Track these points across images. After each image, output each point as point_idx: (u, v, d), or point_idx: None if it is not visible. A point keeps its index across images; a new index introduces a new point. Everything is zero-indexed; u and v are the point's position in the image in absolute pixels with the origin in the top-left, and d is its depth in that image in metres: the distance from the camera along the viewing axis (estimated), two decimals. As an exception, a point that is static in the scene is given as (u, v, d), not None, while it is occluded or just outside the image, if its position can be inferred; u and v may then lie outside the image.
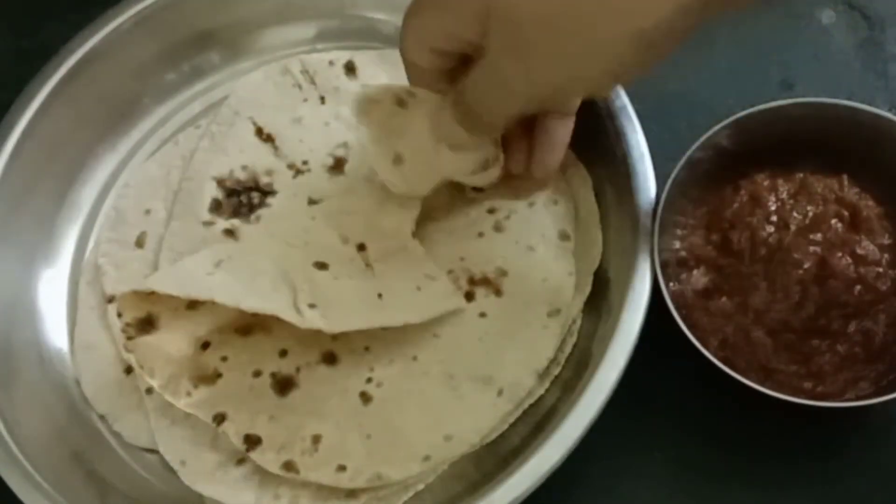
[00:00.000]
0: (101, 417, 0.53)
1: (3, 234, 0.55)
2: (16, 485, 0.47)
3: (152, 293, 0.48)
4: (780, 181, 0.52)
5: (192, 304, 0.51)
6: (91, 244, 0.59)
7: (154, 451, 0.52)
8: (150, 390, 0.52)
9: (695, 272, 0.51)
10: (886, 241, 0.51)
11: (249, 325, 0.52)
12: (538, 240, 0.54)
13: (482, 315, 0.52)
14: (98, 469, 0.51)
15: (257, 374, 0.51)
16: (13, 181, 0.56)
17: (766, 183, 0.52)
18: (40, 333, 0.56)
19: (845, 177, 0.52)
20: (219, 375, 0.51)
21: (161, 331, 0.51)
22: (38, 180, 0.58)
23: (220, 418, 0.50)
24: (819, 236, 0.50)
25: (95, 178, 0.60)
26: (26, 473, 0.48)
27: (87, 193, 0.60)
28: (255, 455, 0.49)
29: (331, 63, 0.61)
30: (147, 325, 0.51)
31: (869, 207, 0.51)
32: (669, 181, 0.50)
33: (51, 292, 0.57)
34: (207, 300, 0.48)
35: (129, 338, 0.51)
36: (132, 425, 0.53)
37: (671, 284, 0.50)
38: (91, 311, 0.56)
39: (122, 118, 0.61)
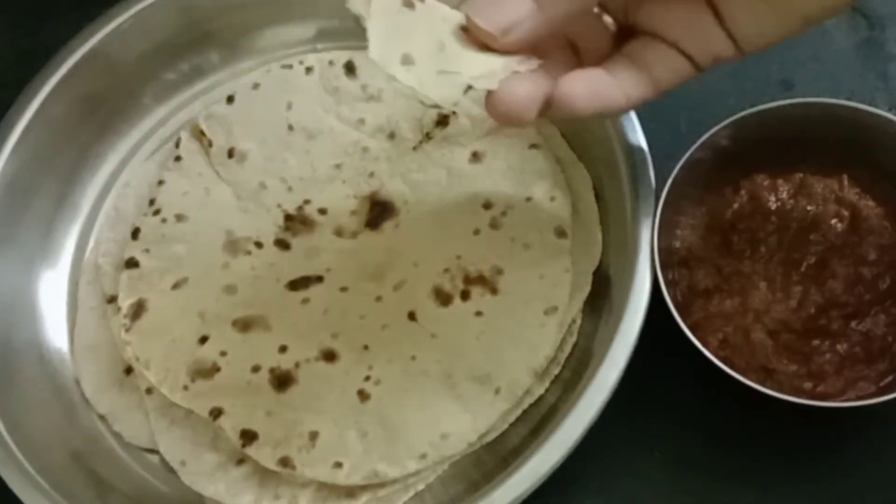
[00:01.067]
0: (102, 418, 0.54)
1: (3, 234, 0.55)
2: (16, 485, 0.47)
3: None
4: (779, 181, 0.52)
5: (177, 284, 0.53)
6: (91, 244, 0.59)
7: (154, 452, 0.52)
8: (150, 390, 0.53)
9: (695, 272, 0.51)
10: (886, 241, 0.50)
11: (248, 321, 0.53)
12: (534, 237, 0.54)
13: (478, 314, 0.52)
14: (98, 469, 0.51)
15: (256, 369, 0.51)
16: (13, 181, 0.56)
17: (766, 183, 0.52)
18: (40, 334, 0.56)
19: (845, 177, 0.52)
20: (217, 369, 0.51)
21: (150, 312, 0.53)
22: (38, 180, 0.58)
23: (216, 412, 0.50)
24: (819, 236, 0.50)
25: (95, 178, 0.60)
26: (26, 473, 0.48)
27: (87, 193, 0.60)
28: (251, 450, 0.49)
29: (331, 63, 0.61)
30: (139, 309, 0.53)
31: (869, 207, 0.51)
32: (669, 181, 0.50)
33: (51, 292, 0.57)
34: None
35: (127, 329, 0.53)
36: (132, 425, 0.53)
37: (671, 285, 0.50)
38: (91, 312, 0.57)
39: (122, 118, 0.62)
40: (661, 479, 0.51)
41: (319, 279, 0.54)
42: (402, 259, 0.54)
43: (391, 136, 0.58)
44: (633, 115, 0.52)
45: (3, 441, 0.49)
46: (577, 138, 0.57)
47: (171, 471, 0.51)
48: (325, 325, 0.52)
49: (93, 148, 0.60)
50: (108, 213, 0.60)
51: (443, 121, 0.58)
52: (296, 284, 0.54)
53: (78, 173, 0.60)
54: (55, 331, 0.56)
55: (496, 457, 0.49)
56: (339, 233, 0.56)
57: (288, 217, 0.56)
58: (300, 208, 0.56)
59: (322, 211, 0.56)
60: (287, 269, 0.54)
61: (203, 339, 0.52)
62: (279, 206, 0.57)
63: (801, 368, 0.48)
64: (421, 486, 0.49)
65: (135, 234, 0.57)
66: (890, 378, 0.48)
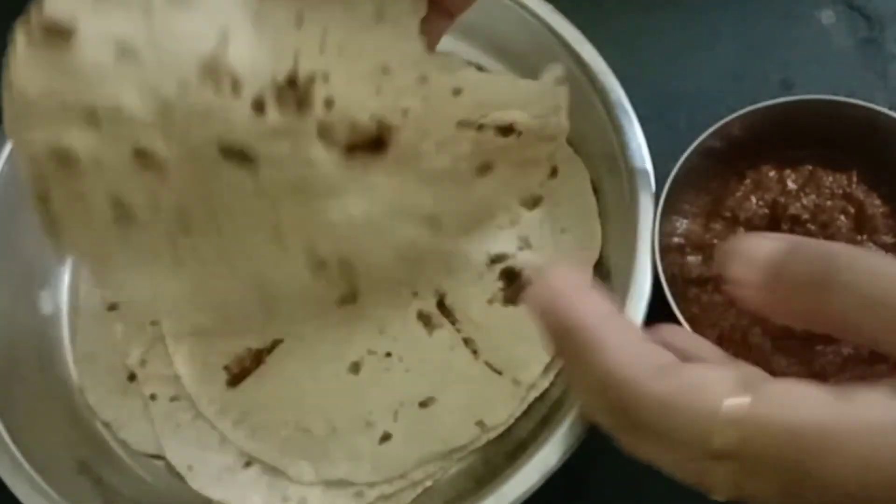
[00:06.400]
0: (106, 425, 0.53)
1: (3, 237, 0.55)
2: (23, 494, 0.47)
3: None
4: (787, 171, 0.52)
5: None
6: (93, 249, 0.59)
7: (160, 458, 0.52)
8: (153, 396, 0.52)
9: (695, 268, 0.51)
10: (890, 239, 0.50)
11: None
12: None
13: None
14: (105, 477, 0.51)
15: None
16: (13, 184, 0.55)
17: (771, 174, 0.52)
18: (42, 341, 0.55)
19: (855, 172, 0.51)
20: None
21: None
22: (39, 183, 0.57)
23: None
24: (822, 232, 0.50)
25: (97, 180, 0.60)
26: (33, 482, 0.47)
27: (88, 196, 0.60)
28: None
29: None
30: None
31: (875, 206, 0.51)
32: (669, 180, 0.50)
33: (52, 299, 0.57)
34: None
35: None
36: (137, 432, 0.53)
37: (670, 281, 0.49)
38: (93, 319, 0.56)
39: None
40: (661, 478, 0.50)
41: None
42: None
43: None
44: (632, 114, 0.52)
45: (9, 451, 0.48)
46: (575, 133, 0.56)
47: (179, 476, 0.50)
48: None
49: (94, 150, 0.60)
50: (109, 216, 0.59)
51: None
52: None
53: (79, 175, 0.59)
54: (57, 339, 0.56)
55: (503, 451, 0.49)
56: None
57: None
58: None
59: None
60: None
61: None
62: None
63: (802, 369, 0.48)
64: (429, 483, 0.49)
65: None
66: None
